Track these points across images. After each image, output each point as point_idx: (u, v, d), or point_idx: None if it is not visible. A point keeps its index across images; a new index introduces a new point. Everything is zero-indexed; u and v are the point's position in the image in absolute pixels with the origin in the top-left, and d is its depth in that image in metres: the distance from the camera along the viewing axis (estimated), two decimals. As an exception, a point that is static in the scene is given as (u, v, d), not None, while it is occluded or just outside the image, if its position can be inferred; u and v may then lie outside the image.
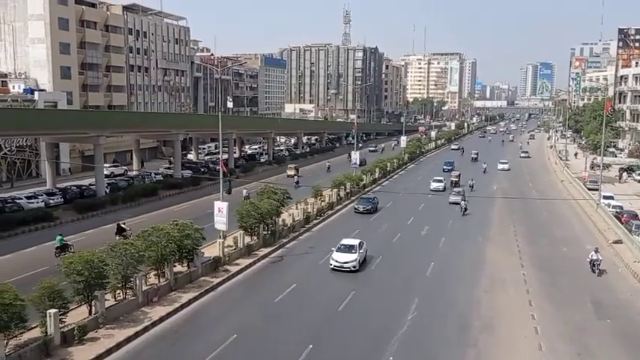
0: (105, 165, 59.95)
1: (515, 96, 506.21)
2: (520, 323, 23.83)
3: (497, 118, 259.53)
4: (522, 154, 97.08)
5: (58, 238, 31.89)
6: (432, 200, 52.12)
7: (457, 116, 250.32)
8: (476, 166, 79.71)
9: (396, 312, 24.70)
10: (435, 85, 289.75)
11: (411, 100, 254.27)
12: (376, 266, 31.60)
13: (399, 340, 21.71)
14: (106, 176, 55.24)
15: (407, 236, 39.08)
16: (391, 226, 41.76)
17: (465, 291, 27.80)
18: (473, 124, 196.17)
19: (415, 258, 33.48)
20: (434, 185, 58.48)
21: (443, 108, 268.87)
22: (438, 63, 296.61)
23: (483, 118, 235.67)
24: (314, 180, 55.95)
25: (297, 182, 56.90)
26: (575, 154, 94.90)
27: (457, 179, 61.37)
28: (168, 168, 64.27)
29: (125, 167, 66.50)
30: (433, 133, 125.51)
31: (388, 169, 68.68)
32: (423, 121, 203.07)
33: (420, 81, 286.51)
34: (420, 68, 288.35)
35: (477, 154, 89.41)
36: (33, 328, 19.60)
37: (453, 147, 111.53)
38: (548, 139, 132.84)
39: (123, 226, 34.56)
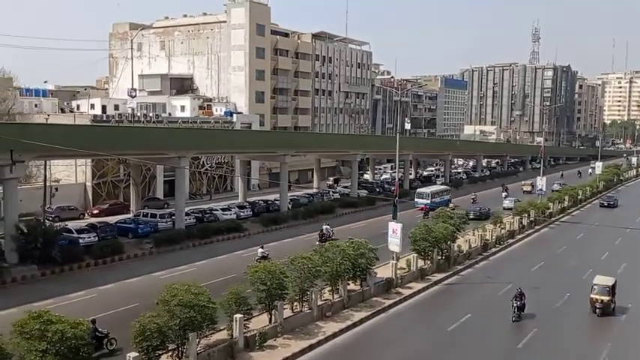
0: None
1: None
2: None
3: None
4: None
5: (260, 251, 34.07)
6: (632, 234, 46.15)
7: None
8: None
9: (581, 356, 22.16)
10: (639, 106, 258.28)
11: (608, 122, 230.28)
12: (564, 303, 28.78)
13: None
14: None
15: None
16: (581, 262, 37.76)
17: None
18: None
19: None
20: None
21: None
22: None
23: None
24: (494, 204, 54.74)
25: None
26: None
27: None
28: (345, 187, 66.43)
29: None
30: (634, 159, 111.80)
31: (579, 197, 62.66)
32: (622, 146, 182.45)
33: (619, 102, 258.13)
34: (620, 87, 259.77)
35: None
36: (221, 330, 21.35)
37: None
38: None
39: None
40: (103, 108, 60.48)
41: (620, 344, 23.67)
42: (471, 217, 48.39)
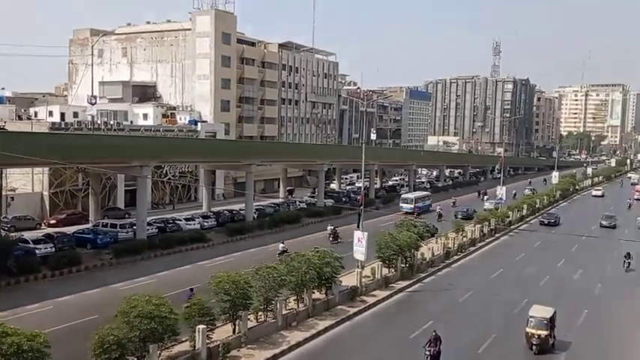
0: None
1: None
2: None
3: None
4: None
5: (281, 246, 37.53)
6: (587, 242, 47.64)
7: (618, 152, 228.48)
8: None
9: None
10: (594, 118, 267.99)
11: (564, 133, 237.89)
12: (521, 309, 29.39)
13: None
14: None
15: (556, 281, 35.91)
16: (538, 269, 38.69)
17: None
18: (638, 160, 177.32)
19: (565, 308, 30.61)
20: None
21: (602, 143, 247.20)
22: (597, 95, 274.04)
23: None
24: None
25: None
26: None
27: None
28: (312, 196, 66.36)
29: None
30: (589, 170, 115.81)
31: (537, 206, 64.42)
32: (579, 157, 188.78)
33: (575, 114, 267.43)
34: (577, 100, 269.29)
35: None
36: (183, 341, 21.00)
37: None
38: None
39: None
40: (62, 115, 58.91)
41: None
42: (459, 217, 55.36)
